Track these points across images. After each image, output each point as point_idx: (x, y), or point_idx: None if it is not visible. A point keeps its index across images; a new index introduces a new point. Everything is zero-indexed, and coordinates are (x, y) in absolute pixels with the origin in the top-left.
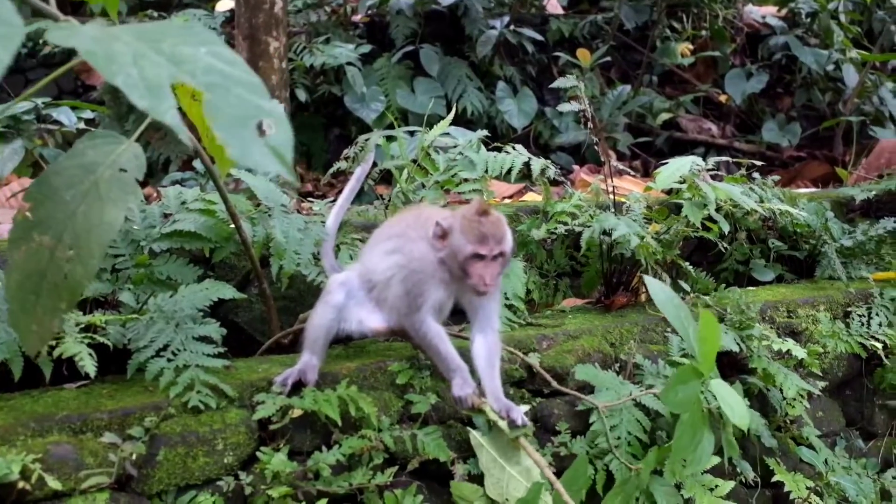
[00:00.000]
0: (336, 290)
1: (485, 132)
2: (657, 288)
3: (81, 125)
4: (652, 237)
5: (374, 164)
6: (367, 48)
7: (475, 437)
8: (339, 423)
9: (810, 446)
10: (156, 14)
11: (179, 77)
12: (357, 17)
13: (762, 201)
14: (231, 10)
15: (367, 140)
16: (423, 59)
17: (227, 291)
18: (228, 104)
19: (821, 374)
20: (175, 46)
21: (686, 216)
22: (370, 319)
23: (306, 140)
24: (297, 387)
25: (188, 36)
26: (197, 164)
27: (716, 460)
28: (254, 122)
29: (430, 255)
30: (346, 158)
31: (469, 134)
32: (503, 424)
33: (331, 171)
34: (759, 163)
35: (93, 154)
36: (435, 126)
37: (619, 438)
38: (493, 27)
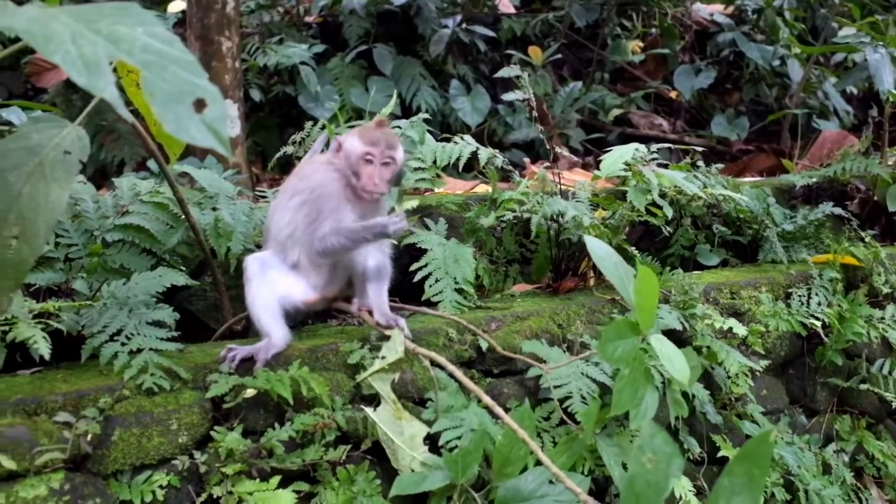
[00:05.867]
0: (250, 265)
1: (425, 115)
2: (596, 245)
3: None
4: (598, 222)
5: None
6: (320, 48)
7: (369, 413)
8: (292, 403)
9: (755, 422)
10: None
11: (117, 55)
12: (310, 18)
13: (706, 187)
14: (183, 12)
15: (313, 126)
16: (376, 58)
17: (180, 278)
18: (165, 81)
19: (764, 352)
20: (112, 26)
21: (630, 201)
22: (297, 290)
23: (261, 140)
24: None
25: (125, 16)
26: (151, 164)
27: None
28: (190, 99)
29: (327, 175)
30: (294, 143)
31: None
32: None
33: (277, 155)
34: (699, 148)
35: (37, 137)
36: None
37: (568, 409)
38: (445, 26)
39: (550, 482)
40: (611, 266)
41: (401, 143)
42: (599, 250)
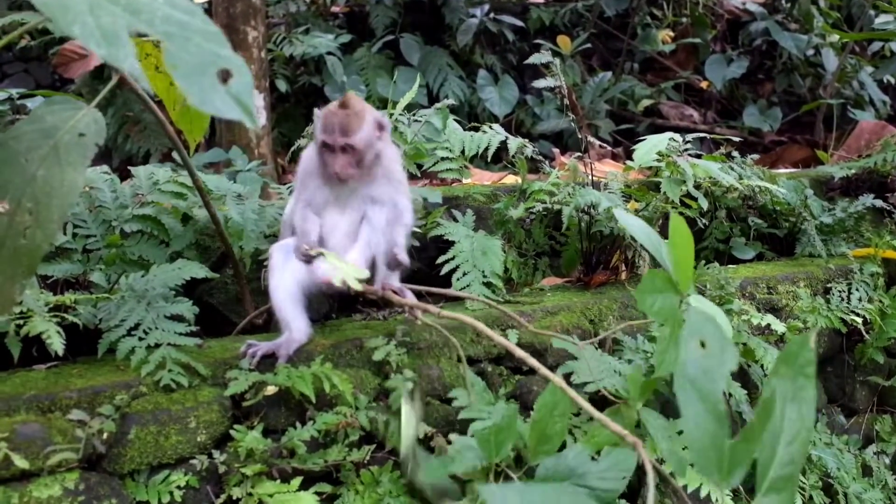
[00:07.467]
0: (275, 253)
1: (450, 101)
2: (630, 220)
3: None
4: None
5: None
6: (347, 38)
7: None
8: (314, 400)
9: None
10: None
11: (137, 26)
12: (336, 8)
13: (741, 179)
14: (209, 1)
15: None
16: (403, 48)
17: (200, 271)
18: (188, 52)
19: None
20: None
21: (664, 192)
22: (318, 270)
23: (287, 131)
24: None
25: None
26: (176, 155)
27: None
28: (214, 70)
29: (310, 152)
30: (308, 134)
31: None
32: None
33: (293, 147)
34: (736, 139)
35: (52, 119)
36: (399, 101)
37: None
38: (473, 16)
39: (593, 458)
40: (644, 235)
41: (367, 124)
42: (630, 220)
